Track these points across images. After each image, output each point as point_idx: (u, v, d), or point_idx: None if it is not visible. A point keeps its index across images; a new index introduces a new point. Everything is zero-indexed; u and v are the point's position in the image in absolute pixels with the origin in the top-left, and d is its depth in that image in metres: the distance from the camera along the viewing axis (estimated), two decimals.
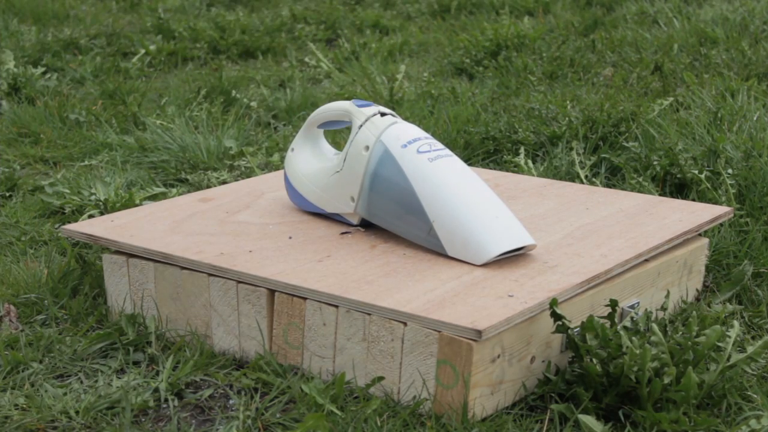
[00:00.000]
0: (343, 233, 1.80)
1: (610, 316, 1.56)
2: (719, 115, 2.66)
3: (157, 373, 1.63)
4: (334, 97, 3.52)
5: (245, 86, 3.85)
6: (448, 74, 3.92)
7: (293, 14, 5.14)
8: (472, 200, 1.67)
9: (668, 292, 1.66)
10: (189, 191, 2.56)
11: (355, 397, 1.51)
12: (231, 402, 1.55)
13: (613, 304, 1.55)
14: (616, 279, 1.67)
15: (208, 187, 2.57)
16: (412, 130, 1.76)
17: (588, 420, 1.41)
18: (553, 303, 1.48)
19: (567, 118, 2.74)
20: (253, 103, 3.46)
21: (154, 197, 2.44)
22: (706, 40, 3.84)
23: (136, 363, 1.66)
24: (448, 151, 1.75)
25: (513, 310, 1.45)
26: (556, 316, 1.48)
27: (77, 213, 2.38)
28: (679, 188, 2.38)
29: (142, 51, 4.38)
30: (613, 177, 2.52)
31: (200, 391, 1.59)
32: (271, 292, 1.60)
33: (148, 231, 1.81)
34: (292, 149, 1.95)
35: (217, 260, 1.66)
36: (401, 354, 1.48)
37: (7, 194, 2.62)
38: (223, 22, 4.72)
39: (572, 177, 2.49)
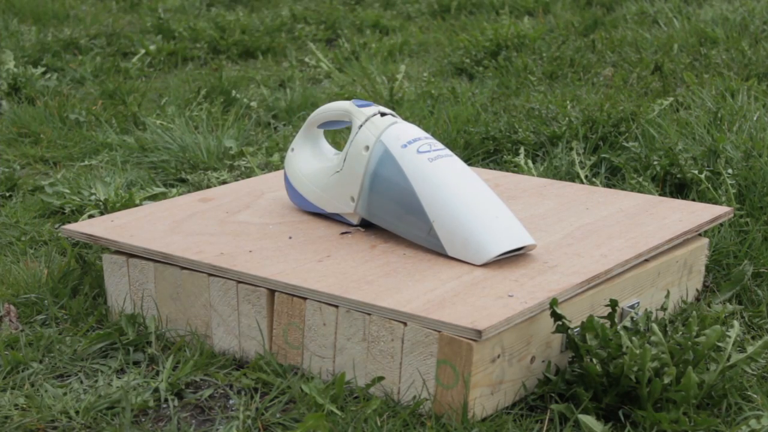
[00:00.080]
0: (343, 233, 1.80)
1: (610, 316, 1.56)
2: (719, 115, 2.66)
3: (157, 373, 1.63)
4: (334, 97, 3.52)
5: (245, 86, 3.85)
6: (448, 74, 3.92)
7: (293, 14, 5.14)
8: (472, 200, 1.67)
9: (668, 292, 1.66)
10: (189, 191, 2.56)
11: (355, 397, 1.51)
12: (231, 402, 1.55)
13: (613, 304, 1.55)
14: (616, 279, 1.67)
15: (208, 187, 2.57)
16: (412, 130, 1.76)
17: (588, 420, 1.41)
18: (553, 303, 1.48)
19: (567, 118, 2.74)
20: (253, 103, 3.46)
21: (154, 197, 2.44)
22: (706, 40, 3.84)
23: (136, 363, 1.66)
24: (448, 151, 1.75)
25: (513, 310, 1.45)
26: (556, 316, 1.48)
27: (77, 213, 2.38)
28: (679, 188, 2.38)
29: (142, 51, 4.38)
30: (613, 177, 2.52)
31: (200, 391, 1.59)
32: (271, 292, 1.60)
33: (148, 231, 1.81)
34: (292, 149, 1.95)
35: (217, 260, 1.66)
36: (401, 354, 1.48)
37: (7, 194, 2.62)
38: (223, 22, 4.73)
39: (572, 177, 2.49)
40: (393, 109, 3.24)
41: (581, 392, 1.47)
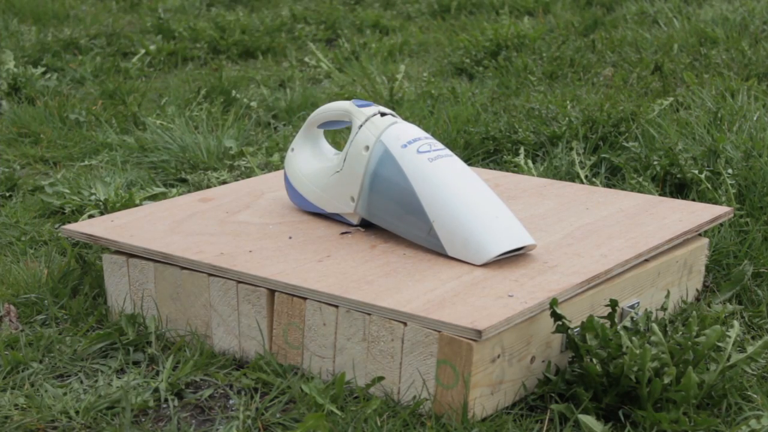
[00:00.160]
0: (343, 233, 1.80)
1: (610, 316, 1.56)
2: (719, 115, 2.66)
3: (157, 373, 1.63)
4: (334, 97, 3.52)
5: (245, 86, 3.85)
6: (448, 74, 3.92)
7: (293, 14, 5.14)
8: (472, 200, 1.67)
9: (668, 292, 1.66)
10: (189, 191, 2.56)
11: (355, 397, 1.51)
12: (231, 402, 1.55)
13: (613, 304, 1.55)
14: (616, 279, 1.67)
15: (208, 187, 2.57)
16: (412, 130, 1.76)
17: (588, 420, 1.41)
18: (553, 303, 1.48)
19: (567, 118, 2.74)
20: (253, 103, 3.46)
21: (154, 197, 2.44)
22: (706, 40, 3.84)
23: (136, 363, 1.66)
24: (448, 151, 1.75)
25: (513, 310, 1.45)
26: (556, 316, 1.48)
27: (77, 213, 2.38)
28: (679, 188, 2.38)
29: (142, 51, 4.38)
30: (613, 177, 2.52)
31: (200, 391, 1.59)
32: (271, 292, 1.60)
33: (148, 231, 1.81)
34: (292, 149, 1.95)
35: (217, 260, 1.66)
36: (401, 354, 1.48)
37: (7, 194, 2.62)
38: (223, 22, 4.72)
39: (572, 177, 2.49)
40: (393, 109, 3.24)
41: (581, 392, 1.47)
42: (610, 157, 2.55)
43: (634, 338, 1.48)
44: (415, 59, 4.28)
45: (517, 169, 2.51)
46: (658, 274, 1.78)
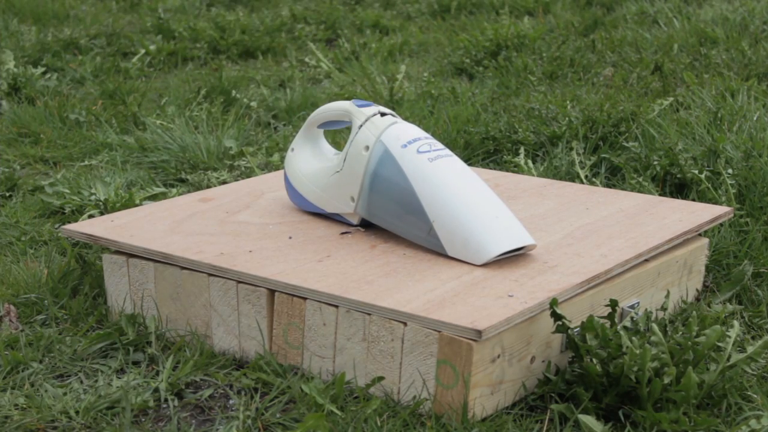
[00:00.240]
0: (343, 233, 1.80)
1: (610, 316, 1.56)
2: (719, 115, 2.66)
3: (157, 373, 1.63)
4: (334, 97, 3.52)
5: (245, 86, 3.85)
6: (448, 74, 3.92)
7: (293, 14, 5.14)
8: (472, 200, 1.67)
9: (668, 292, 1.66)
10: (189, 191, 2.56)
11: (355, 397, 1.51)
12: (231, 402, 1.55)
13: (613, 304, 1.55)
14: (616, 279, 1.67)
15: (208, 187, 2.57)
16: (412, 130, 1.76)
17: (588, 420, 1.41)
18: (553, 303, 1.48)
19: (567, 118, 2.74)
20: (253, 103, 3.46)
21: (154, 197, 2.44)
22: (706, 40, 3.84)
23: (136, 363, 1.66)
24: (448, 151, 1.75)
25: (513, 310, 1.45)
26: (556, 316, 1.48)
27: (77, 213, 2.38)
28: (679, 188, 2.38)
29: (142, 51, 4.38)
30: (613, 177, 2.52)
31: (200, 391, 1.59)
32: (271, 292, 1.60)
33: (148, 231, 1.81)
34: (292, 149, 1.95)
35: (217, 260, 1.66)
36: (401, 354, 1.48)
37: (7, 194, 2.62)
38: (223, 22, 4.72)
39: (572, 177, 2.49)
40: (393, 109, 3.24)
41: (581, 392, 1.47)
42: (610, 157, 2.55)
43: (634, 338, 1.48)
44: (415, 59, 4.28)
45: (517, 169, 2.51)
46: (658, 274, 1.78)
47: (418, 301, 1.49)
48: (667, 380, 1.44)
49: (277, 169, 2.70)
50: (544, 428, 1.45)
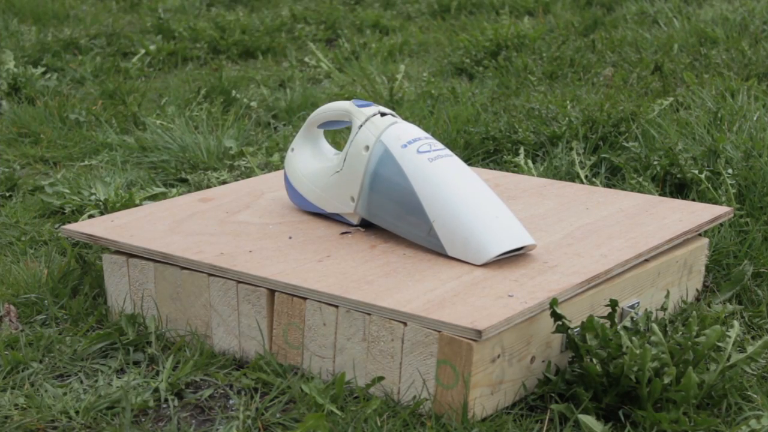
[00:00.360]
0: (343, 233, 1.80)
1: (610, 316, 1.56)
2: (719, 115, 2.66)
3: (157, 373, 1.63)
4: (334, 97, 3.52)
5: (245, 86, 3.85)
6: (448, 74, 3.92)
7: (293, 14, 5.14)
8: (472, 200, 1.67)
9: (668, 292, 1.66)
10: (189, 191, 2.56)
11: (355, 397, 1.51)
12: (231, 402, 1.55)
13: (613, 304, 1.55)
14: (616, 279, 1.67)
15: (208, 187, 2.57)
16: (412, 130, 1.76)
17: (588, 420, 1.41)
18: (553, 303, 1.48)
19: (567, 118, 2.74)
20: (253, 103, 3.46)
21: (154, 197, 2.44)
22: (706, 40, 3.84)
23: (136, 363, 1.66)
24: (448, 151, 1.75)
25: (513, 310, 1.45)
26: (556, 316, 1.48)
27: (77, 213, 2.38)
28: (679, 188, 2.38)
29: (142, 51, 4.38)
30: (613, 177, 2.52)
31: (200, 391, 1.59)
32: (271, 292, 1.60)
33: (148, 231, 1.81)
34: (292, 149, 1.95)
35: (217, 260, 1.66)
36: (401, 354, 1.48)
37: (7, 194, 2.62)
38: (223, 22, 4.72)
39: (572, 177, 2.49)
40: (393, 109, 3.24)
41: (581, 392, 1.47)
42: (610, 157, 2.55)
43: (634, 338, 1.48)
44: (415, 59, 4.28)
45: (517, 169, 2.51)
46: (658, 274, 1.78)
47: (418, 301, 1.49)
48: (667, 380, 1.44)
49: (277, 169, 2.70)
50: (544, 428, 1.45)
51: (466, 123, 2.90)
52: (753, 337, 1.78)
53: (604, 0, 5.02)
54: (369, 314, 1.50)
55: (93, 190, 2.42)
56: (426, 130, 2.84)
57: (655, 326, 1.48)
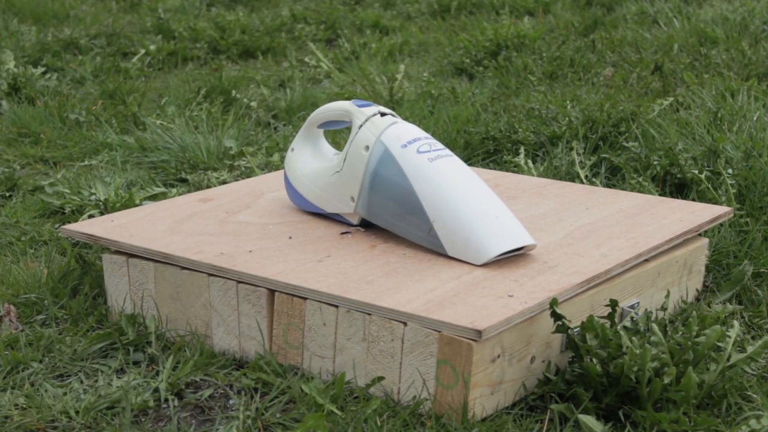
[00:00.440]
0: (343, 233, 1.80)
1: (610, 316, 1.56)
2: (719, 115, 2.66)
3: (157, 373, 1.63)
4: (334, 97, 3.52)
5: (245, 86, 3.85)
6: (448, 74, 3.92)
7: (293, 14, 5.14)
8: (472, 200, 1.67)
9: (668, 292, 1.66)
10: (189, 191, 2.56)
11: (355, 397, 1.51)
12: (231, 402, 1.55)
13: (613, 304, 1.55)
14: (616, 279, 1.67)
15: (208, 187, 2.57)
16: (412, 130, 1.76)
17: (588, 420, 1.41)
18: (553, 303, 1.48)
19: (567, 118, 2.74)
20: (253, 103, 3.46)
21: (154, 197, 2.44)
22: (706, 40, 3.84)
23: (136, 363, 1.66)
24: (448, 151, 1.75)
25: (513, 310, 1.45)
26: (556, 316, 1.48)
27: (77, 213, 2.38)
28: (679, 188, 2.38)
29: (142, 51, 4.38)
30: (613, 177, 2.52)
31: (200, 391, 1.59)
32: (271, 292, 1.60)
33: (148, 231, 1.81)
34: (292, 149, 1.95)
35: (217, 260, 1.66)
36: (401, 354, 1.48)
37: (7, 194, 2.62)
38: (223, 22, 4.73)
39: (572, 177, 2.49)
40: (393, 109, 3.24)
41: (581, 392, 1.47)
42: (610, 157, 2.55)
43: (634, 338, 1.48)
44: (415, 59, 4.28)
45: (517, 169, 2.51)
46: (658, 274, 1.78)
47: (418, 301, 1.49)
48: (667, 380, 1.44)
49: (277, 169, 2.70)
50: (544, 428, 1.45)
51: (466, 123, 2.90)
52: (753, 337, 1.78)
53: (604, 0, 5.02)
54: (369, 314, 1.50)
55: (93, 190, 2.42)
56: (426, 130, 2.84)
57: (655, 326, 1.48)
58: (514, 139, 2.73)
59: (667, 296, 1.64)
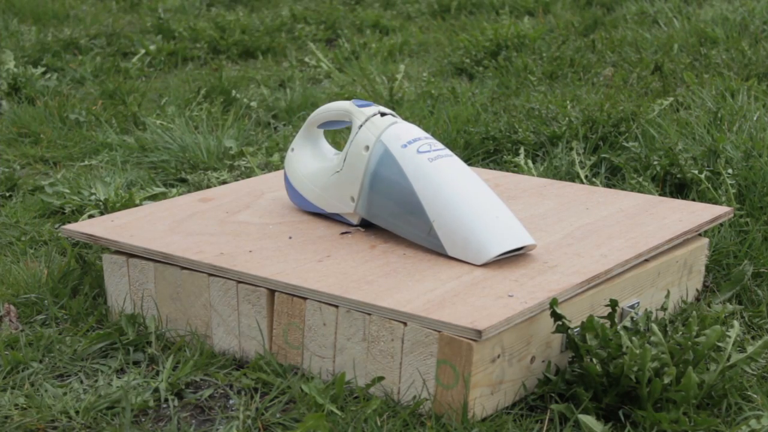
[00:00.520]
0: (343, 233, 1.80)
1: (610, 316, 1.56)
2: (719, 115, 2.66)
3: (157, 373, 1.63)
4: (334, 97, 3.52)
5: (245, 86, 3.85)
6: (448, 74, 3.92)
7: (293, 14, 5.14)
8: (472, 200, 1.67)
9: (668, 292, 1.66)
10: (189, 191, 2.56)
11: (355, 397, 1.51)
12: (231, 402, 1.55)
13: (613, 304, 1.55)
14: (616, 279, 1.67)
15: (208, 187, 2.57)
16: (413, 130, 1.76)
17: (588, 420, 1.41)
18: (553, 303, 1.48)
19: (567, 118, 2.74)
20: (253, 103, 3.46)
21: (154, 197, 2.44)
22: (706, 40, 3.84)
23: (136, 363, 1.66)
24: (448, 151, 1.75)
25: (513, 310, 1.45)
26: (556, 316, 1.48)
27: (77, 213, 2.38)
28: (679, 188, 2.38)
29: (142, 51, 4.38)
30: (613, 177, 2.52)
31: (200, 391, 1.59)
32: (271, 292, 1.60)
33: (148, 231, 1.81)
34: (292, 149, 1.95)
35: (217, 260, 1.66)
36: (401, 354, 1.48)
37: (7, 194, 2.62)
38: (223, 22, 4.73)
39: (572, 177, 2.49)
40: (393, 109, 3.24)
41: (581, 392, 1.47)
42: (610, 157, 2.55)
43: (634, 338, 1.48)
44: (415, 59, 4.28)
45: (517, 169, 2.51)
46: (658, 274, 1.78)
47: (418, 301, 1.49)
48: (667, 380, 1.44)
49: (277, 169, 2.70)
50: (544, 428, 1.45)
51: (466, 123, 2.90)
52: (753, 337, 1.78)
53: (604, 0, 5.02)
54: (369, 314, 1.50)
55: (93, 190, 2.42)
56: (426, 130, 2.84)
57: (655, 326, 1.48)
58: (514, 139, 2.73)
59: (667, 296, 1.64)
